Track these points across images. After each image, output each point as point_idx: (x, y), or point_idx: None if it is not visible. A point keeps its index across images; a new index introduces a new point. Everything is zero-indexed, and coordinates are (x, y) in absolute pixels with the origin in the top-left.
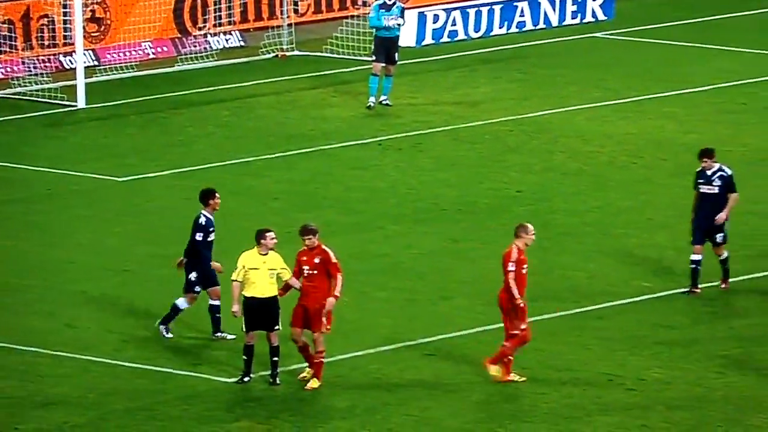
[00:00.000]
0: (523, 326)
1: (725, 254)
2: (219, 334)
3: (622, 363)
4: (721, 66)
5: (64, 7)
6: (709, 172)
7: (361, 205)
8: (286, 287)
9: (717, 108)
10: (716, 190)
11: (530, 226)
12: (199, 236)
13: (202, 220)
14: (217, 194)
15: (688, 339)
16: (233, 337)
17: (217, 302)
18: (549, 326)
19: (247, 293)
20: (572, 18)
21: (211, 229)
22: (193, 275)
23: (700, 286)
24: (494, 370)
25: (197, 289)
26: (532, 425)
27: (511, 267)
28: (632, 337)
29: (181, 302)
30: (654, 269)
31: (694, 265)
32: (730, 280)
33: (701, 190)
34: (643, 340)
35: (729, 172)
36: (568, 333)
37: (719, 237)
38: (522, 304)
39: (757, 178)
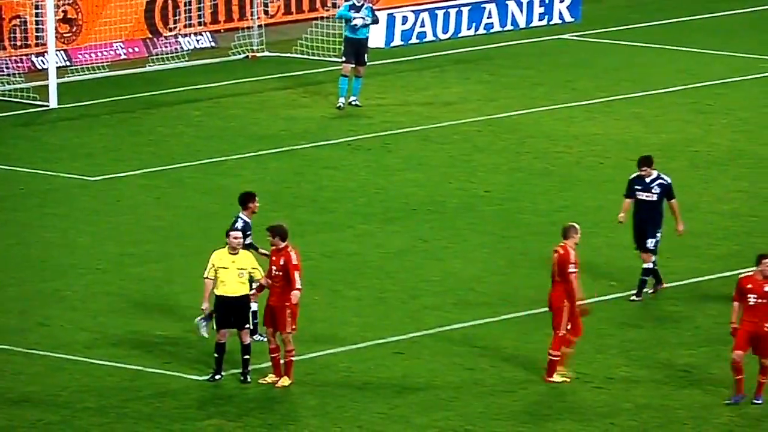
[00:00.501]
0: (569, 327)
1: (651, 264)
2: (202, 322)
3: (589, 362)
4: (686, 67)
5: (37, 8)
6: (647, 180)
7: (332, 205)
8: (260, 287)
9: (684, 109)
10: (655, 197)
11: (578, 226)
12: None
13: (239, 224)
14: (256, 197)
15: (655, 338)
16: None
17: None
18: (516, 325)
19: (218, 292)
20: (539, 20)
21: (248, 233)
22: None
23: (665, 284)
24: (559, 377)
25: (254, 285)
26: (500, 423)
27: (573, 269)
28: (599, 335)
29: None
30: (620, 268)
31: (653, 267)
32: (698, 279)
33: (638, 197)
34: (610, 339)
35: (668, 180)
36: (536, 332)
37: (650, 243)
38: (565, 308)
39: (725, 178)
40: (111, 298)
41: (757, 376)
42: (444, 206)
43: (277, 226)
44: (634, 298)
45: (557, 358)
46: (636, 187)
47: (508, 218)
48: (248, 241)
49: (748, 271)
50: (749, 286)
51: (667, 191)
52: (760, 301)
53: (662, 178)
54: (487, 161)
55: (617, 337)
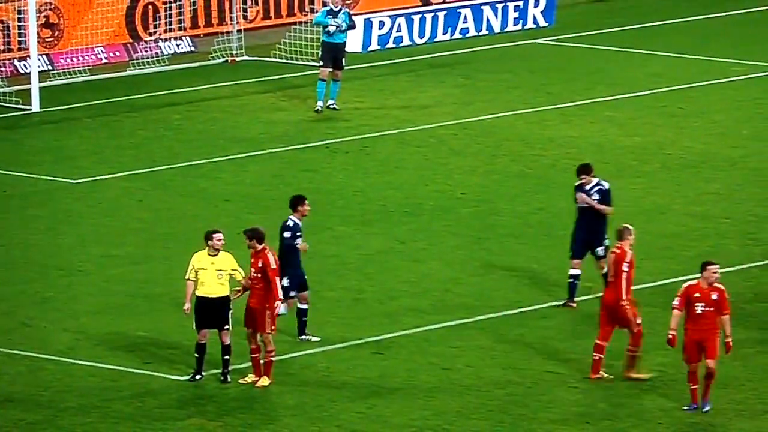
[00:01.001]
0: (638, 321)
1: (606, 269)
2: (304, 336)
3: (565, 361)
4: (660, 71)
5: (19, 13)
6: (587, 187)
7: (311, 207)
8: (243, 288)
9: (657, 112)
10: (595, 204)
11: (632, 228)
12: (287, 234)
13: (290, 223)
14: (306, 201)
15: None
16: (318, 339)
17: (305, 306)
18: (493, 325)
19: (198, 293)
20: (514, 24)
21: (298, 234)
22: (285, 281)
23: (576, 299)
24: (643, 374)
25: (292, 294)
26: (477, 422)
27: (626, 267)
28: (574, 335)
29: (281, 308)
30: (595, 270)
31: (572, 279)
32: (671, 280)
33: (580, 205)
34: (586, 340)
35: (606, 185)
36: (512, 332)
37: (600, 250)
38: (627, 305)
39: (697, 180)
40: (93, 299)
41: (704, 380)
42: (421, 208)
43: (253, 228)
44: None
45: (637, 354)
46: (578, 195)
47: (485, 220)
48: (298, 242)
49: (691, 280)
50: (696, 294)
51: (605, 197)
52: (707, 309)
53: (601, 184)
54: (464, 164)
55: (593, 338)
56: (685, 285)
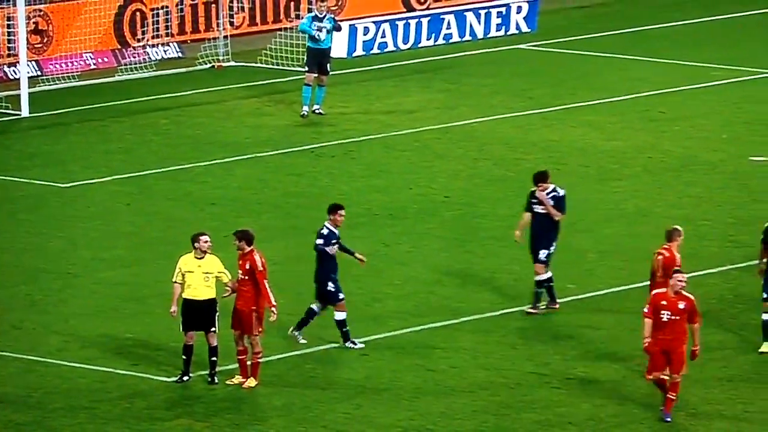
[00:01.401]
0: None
1: (543, 276)
2: (296, 332)
3: (547, 362)
4: (640, 76)
5: (8, 19)
6: (544, 193)
7: (296, 211)
8: (231, 290)
9: (638, 116)
10: (550, 206)
11: (681, 229)
12: (318, 240)
13: (324, 230)
14: (341, 210)
15: (612, 338)
16: (305, 341)
17: (316, 309)
18: (476, 327)
19: (185, 295)
20: (497, 30)
21: (333, 241)
22: (330, 286)
23: (558, 301)
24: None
25: (341, 296)
26: (462, 422)
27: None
28: (557, 337)
29: (339, 315)
30: (577, 272)
31: (546, 282)
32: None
33: (535, 210)
34: (569, 340)
35: (561, 192)
36: (495, 333)
37: (542, 254)
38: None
39: (678, 184)
40: (82, 302)
41: (666, 392)
42: (405, 212)
43: (243, 230)
44: (529, 310)
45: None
46: (532, 200)
47: (468, 223)
48: (332, 249)
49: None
50: (663, 302)
51: (559, 203)
52: (673, 318)
53: (556, 191)
54: (447, 168)
55: (575, 338)
56: (653, 292)
